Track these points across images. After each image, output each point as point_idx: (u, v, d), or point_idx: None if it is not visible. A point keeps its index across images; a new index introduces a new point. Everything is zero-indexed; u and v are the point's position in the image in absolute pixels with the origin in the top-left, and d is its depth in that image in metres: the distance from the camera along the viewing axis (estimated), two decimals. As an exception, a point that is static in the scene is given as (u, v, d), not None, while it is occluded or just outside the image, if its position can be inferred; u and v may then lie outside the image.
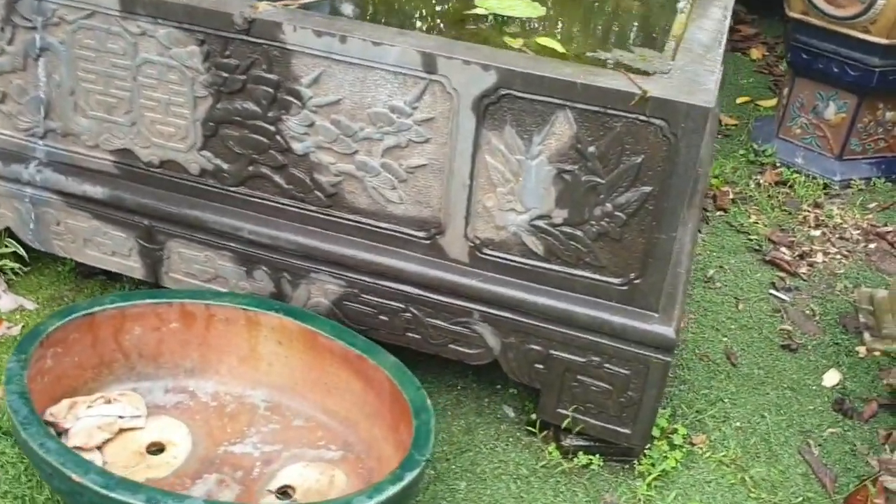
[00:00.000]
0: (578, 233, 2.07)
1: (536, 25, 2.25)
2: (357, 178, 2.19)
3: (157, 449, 2.21)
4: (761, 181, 3.69)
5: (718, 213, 3.48)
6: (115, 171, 2.43)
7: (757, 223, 3.42)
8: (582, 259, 2.11)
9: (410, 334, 2.32)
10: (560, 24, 2.31)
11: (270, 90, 2.14)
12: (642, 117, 1.89)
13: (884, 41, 3.39)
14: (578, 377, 2.21)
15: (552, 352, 2.20)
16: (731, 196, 3.58)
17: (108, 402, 2.24)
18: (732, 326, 2.87)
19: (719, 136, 4.04)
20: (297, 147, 2.19)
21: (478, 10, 2.26)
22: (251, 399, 2.35)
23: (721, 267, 3.16)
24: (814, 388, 2.65)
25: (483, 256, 2.18)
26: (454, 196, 2.12)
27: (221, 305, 2.30)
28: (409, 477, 1.87)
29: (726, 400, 2.56)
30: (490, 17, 2.25)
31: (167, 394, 2.34)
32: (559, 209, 2.05)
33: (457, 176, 2.09)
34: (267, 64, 2.11)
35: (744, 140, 4.02)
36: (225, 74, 2.16)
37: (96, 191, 2.43)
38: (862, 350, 2.79)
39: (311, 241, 2.29)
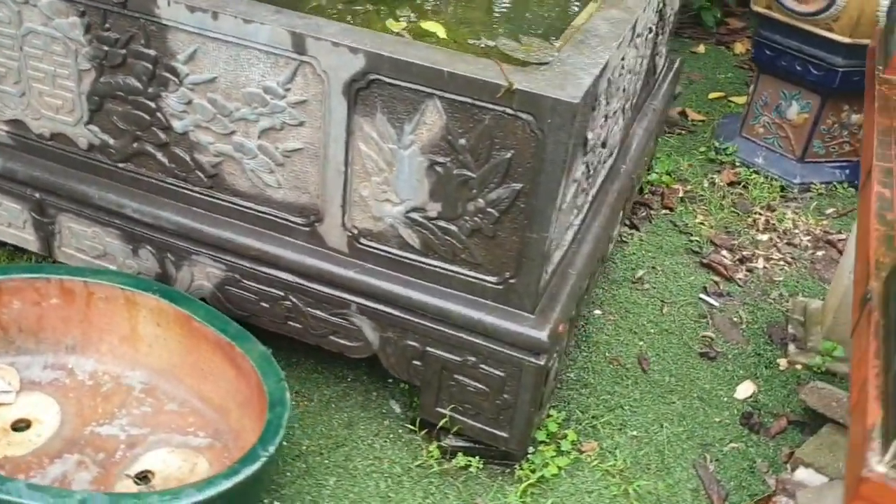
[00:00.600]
0: (453, 228, 1.99)
1: (432, 9, 2.16)
2: (235, 159, 2.12)
3: (23, 426, 2.17)
4: (717, 180, 3.58)
5: (664, 211, 3.37)
6: (10, 142, 2.38)
7: (702, 224, 3.31)
8: (458, 255, 2.03)
9: (291, 323, 2.25)
10: (458, 9, 2.21)
11: (149, 66, 2.07)
12: (509, 111, 1.80)
13: (846, 40, 3.25)
14: (455, 376, 2.14)
15: (429, 349, 2.12)
16: (680, 194, 3.47)
17: (-21, 376, 2.21)
18: (652, 330, 2.77)
19: (682, 132, 3.92)
20: (177, 125, 2.13)
21: (369, -9, 2.17)
22: (128, 380, 2.30)
23: (653, 268, 3.05)
24: (724, 399, 2.55)
25: (361, 247, 2.11)
26: (330, 183, 2.05)
27: (100, 284, 2.25)
28: (246, 472, 1.81)
29: (627, 407, 2.47)
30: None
31: (45, 370, 2.30)
32: (433, 202, 1.97)
33: (332, 162, 2.01)
34: (145, 39, 2.04)
35: (707, 137, 3.89)
36: (106, 48, 2.09)
37: (-13, 161, 2.39)
38: (783, 363, 2.68)
39: (193, 222, 2.23)
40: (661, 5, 2.61)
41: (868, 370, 1.25)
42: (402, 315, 2.10)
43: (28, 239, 2.48)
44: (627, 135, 2.77)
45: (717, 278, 3.04)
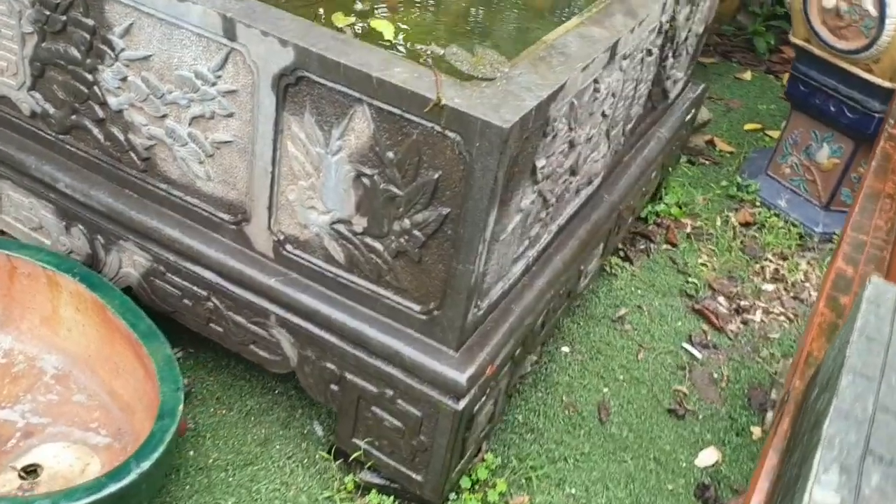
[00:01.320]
0: (379, 246, 1.82)
1: (395, 7, 1.98)
2: (167, 145, 1.98)
3: (-79, 398, 2.07)
4: (731, 219, 3.32)
5: (666, 246, 3.14)
6: (-44, 100, 2.28)
7: (705, 265, 3.07)
8: (382, 276, 1.85)
9: (213, 326, 2.11)
10: (425, 10, 2.03)
11: (87, 36, 1.94)
12: (437, 128, 1.61)
13: (886, 84, 2.97)
14: (372, 408, 1.96)
15: (347, 374, 1.95)
16: (687, 229, 3.23)
17: None
18: (621, 377, 2.56)
19: (706, 163, 3.67)
20: (113, 102, 1.99)
21: (334, -20, 2.00)
22: (42, 363, 2.18)
23: (639, 307, 2.83)
24: (683, 464, 2.33)
25: (286, 254, 1.95)
26: (257, 182, 1.89)
27: (23, 259, 2.14)
28: (112, 488, 1.67)
29: (572, 460, 2.26)
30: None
31: (-39, 342, 2.20)
32: (360, 216, 1.80)
33: (259, 160, 1.86)
34: (83, 7, 1.91)
35: (732, 171, 3.64)
36: (47, 12, 1.97)
37: (-65, 116, 2.29)
38: (757, 431, 2.44)
39: (123, 206, 2.09)
40: (667, 27, 2.39)
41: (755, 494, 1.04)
42: (322, 334, 1.94)
43: (-30, 202, 2.39)
44: (618, 163, 2.55)
45: (706, 327, 2.81)
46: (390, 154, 1.69)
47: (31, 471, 1.97)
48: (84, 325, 2.15)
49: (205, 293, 2.06)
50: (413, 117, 1.63)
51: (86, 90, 2.02)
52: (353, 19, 1.83)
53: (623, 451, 2.32)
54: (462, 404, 1.84)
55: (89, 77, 1.99)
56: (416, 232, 1.74)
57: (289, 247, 1.94)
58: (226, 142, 1.89)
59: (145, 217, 2.07)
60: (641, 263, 3.03)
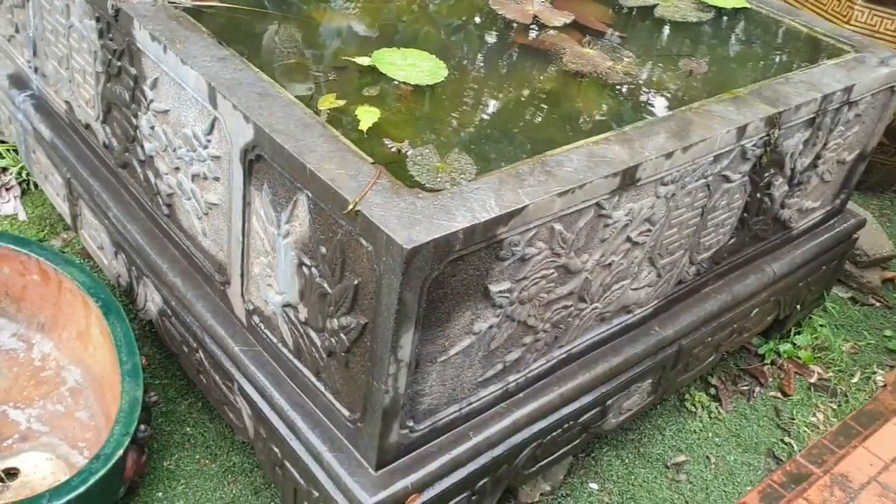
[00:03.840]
0: (318, 340, 1.73)
1: (407, 94, 1.88)
2: (179, 195, 2.03)
3: (-49, 386, 2.28)
4: (876, 379, 2.81)
5: (775, 393, 2.72)
6: (65, 120, 2.52)
7: (815, 427, 2.62)
8: (321, 372, 1.76)
9: (201, 377, 2.13)
10: (434, 101, 1.90)
11: (132, 83, 2.05)
12: (355, 233, 1.50)
13: None
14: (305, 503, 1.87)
15: (286, 462, 1.88)
16: (813, 379, 2.78)
17: (-55, 324, 2.36)
18: (646, 534, 2.24)
19: (875, 304, 3.15)
20: (147, 147, 2.09)
21: (361, 61, 1.94)
22: (67, 374, 2.33)
23: (707, 457, 2.47)
24: None
25: (254, 325, 1.92)
26: (233, 250, 1.88)
27: (66, 276, 2.29)
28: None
29: None
30: (367, 73, 1.92)
31: (12, 338, 2.40)
32: (303, 304, 1.73)
33: (234, 228, 1.85)
34: (129, 57, 2.02)
35: (905, 321, 3.09)
36: (109, 56, 2.11)
37: (46, 132, 2.54)
38: None
39: (147, 244, 2.18)
40: (758, 153, 2.06)
41: None
42: (269, 415, 1.88)
43: (65, 211, 2.62)
44: (686, 295, 2.24)
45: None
46: (323, 249, 1.60)
47: (11, 474, 2.09)
48: (104, 349, 2.26)
49: (194, 345, 2.09)
50: (337, 217, 1.53)
51: (132, 132, 2.13)
52: (341, 103, 1.76)
53: None
54: (369, 533, 1.69)
55: (134, 121, 2.10)
56: (342, 335, 1.64)
57: (256, 318, 1.91)
58: (215, 204, 1.90)
59: (159, 258, 2.14)
60: (735, 407, 2.65)
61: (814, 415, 2.67)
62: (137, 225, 2.22)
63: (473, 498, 1.90)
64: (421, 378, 1.65)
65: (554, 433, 2.01)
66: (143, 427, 1.98)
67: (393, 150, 1.68)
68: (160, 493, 2.13)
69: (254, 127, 1.65)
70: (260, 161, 1.69)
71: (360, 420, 1.69)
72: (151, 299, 2.23)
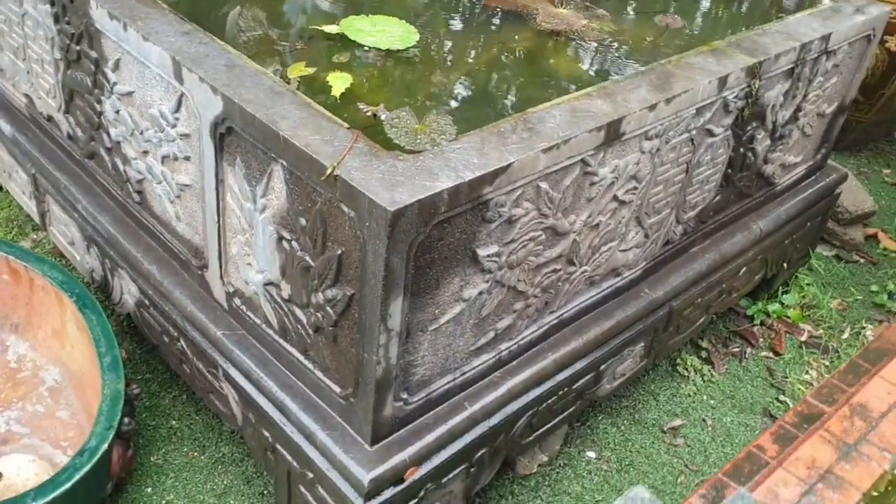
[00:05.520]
0: (303, 317, 1.67)
1: (379, 60, 1.83)
2: (149, 180, 1.97)
3: (-70, 392, 2.20)
4: (866, 334, 2.80)
5: (766, 353, 2.69)
6: (26, 114, 2.44)
7: (810, 384, 2.60)
8: (308, 350, 1.71)
9: (184, 366, 2.07)
10: (406, 65, 1.85)
11: (93, 67, 1.98)
12: (335, 200, 1.45)
13: None
14: (300, 486, 1.82)
15: (278, 445, 1.82)
16: (803, 337, 2.76)
17: (-84, 330, 2.27)
18: None
19: (860, 261, 3.13)
20: (113, 133, 2.02)
21: (330, 29, 1.88)
22: (44, 374, 2.25)
23: (703, 420, 2.44)
24: None
25: (235, 308, 1.86)
26: (209, 230, 1.82)
27: (37, 273, 2.22)
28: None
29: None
30: (336, 41, 1.87)
31: (-15, 342, 2.33)
32: (285, 281, 1.67)
33: (209, 207, 1.79)
34: (88, 39, 1.95)
35: (892, 274, 3.08)
36: (67, 41, 2.04)
37: (6, 128, 2.46)
38: None
39: (119, 234, 2.12)
40: (740, 106, 2.03)
41: None
42: (257, 398, 1.82)
43: (32, 210, 2.54)
44: (674, 255, 2.21)
45: (780, 459, 2.36)
46: (302, 220, 1.55)
47: (-10, 476, 2.02)
48: (81, 345, 2.19)
49: (175, 333, 2.03)
50: (315, 185, 1.47)
51: (97, 119, 2.06)
52: (310, 71, 1.70)
53: (611, 590, 1.99)
54: (367, 507, 1.64)
55: (98, 107, 2.03)
56: (328, 308, 1.59)
57: (237, 300, 1.85)
58: (187, 185, 1.84)
59: (133, 248, 2.07)
60: (727, 369, 2.62)
61: (807, 372, 2.65)
62: (108, 215, 2.15)
63: (472, 470, 1.85)
64: (412, 348, 1.60)
65: (549, 401, 1.97)
66: (126, 421, 1.92)
67: (368, 114, 1.62)
68: (149, 489, 2.07)
69: (222, 98, 1.59)
70: (231, 134, 1.63)
71: (352, 395, 1.64)
72: (128, 291, 2.16)
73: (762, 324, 2.79)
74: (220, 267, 1.83)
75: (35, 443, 2.11)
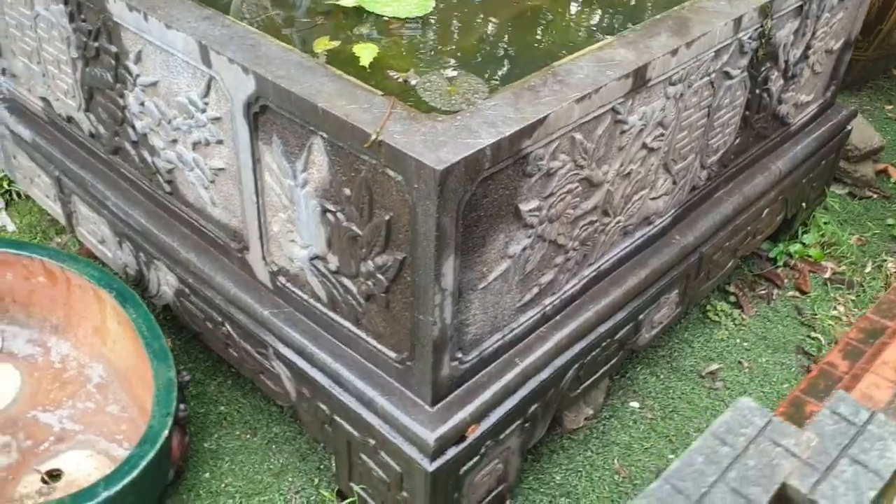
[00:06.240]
0: (353, 287, 1.70)
1: (398, 28, 1.84)
2: (180, 168, 1.98)
3: (-18, 396, 2.22)
4: (888, 266, 2.83)
5: (793, 293, 2.73)
6: (43, 118, 2.45)
7: (838, 319, 2.63)
8: (360, 319, 1.73)
9: (230, 351, 2.09)
10: (427, 31, 1.87)
11: (113, 62, 1.99)
12: (380, 165, 1.47)
13: None
14: (361, 454, 1.85)
15: (336, 417, 1.85)
16: (827, 274, 2.79)
17: (-42, 339, 2.30)
18: (680, 447, 2.24)
19: (873, 196, 3.17)
20: (138, 125, 2.03)
21: (346, 2, 1.90)
22: (90, 371, 2.28)
23: (739, 363, 2.47)
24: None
25: (281, 286, 1.88)
26: (248, 211, 1.84)
27: (74, 272, 2.24)
28: (64, 510, 1.69)
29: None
30: (356, 12, 1.88)
31: (27, 344, 2.35)
32: (332, 254, 1.70)
33: (246, 189, 1.81)
34: (107, 34, 1.96)
35: (907, 208, 3.11)
36: (84, 39, 2.05)
37: (26, 133, 2.47)
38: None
39: (153, 226, 2.13)
40: (754, 46, 2.05)
41: None
42: (312, 372, 1.85)
43: (57, 212, 2.55)
44: (703, 199, 2.24)
45: (818, 393, 2.40)
46: (346, 191, 1.57)
47: (54, 475, 2.05)
48: (124, 339, 2.21)
49: (219, 318, 2.05)
50: (358, 153, 1.49)
51: (120, 113, 2.07)
52: (335, 44, 1.72)
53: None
54: (436, 465, 1.68)
55: (121, 101, 2.04)
56: (379, 275, 1.61)
57: (282, 279, 1.87)
58: (221, 168, 1.86)
59: (169, 238, 2.09)
60: (757, 311, 2.65)
61: (834, 308, 2.68)
62: (139, 209, 2.17)
63: (526, 425, 1.88)
64: (464, 307, 1.62)
65: (594, 352, 2.00)
66: (182, 407, 1.95)
67: (399, 80, 1.64)
68: (207, 474, 2.10)
69: (255, 77, 1.61)
70: (266, 112, 1.64)
71: (408, 359, 1.66)
72: (165, 282, 2.18)
73: (785, 265, 2.82)
74: (262, 247, 1.86)
75: (90, 438, 2.13)
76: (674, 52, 1.78)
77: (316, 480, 2.10)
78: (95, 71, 2.07)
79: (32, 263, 2.29)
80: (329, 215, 1.64)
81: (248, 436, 2.20)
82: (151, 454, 1.82)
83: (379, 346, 1.72)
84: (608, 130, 1.72)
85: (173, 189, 2.06)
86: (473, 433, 1.72)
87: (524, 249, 1.68)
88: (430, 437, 1.65)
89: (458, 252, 1.51)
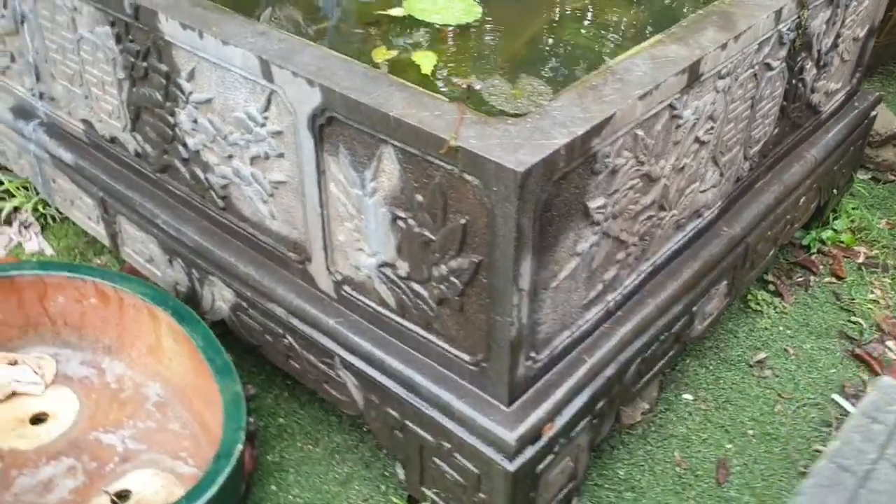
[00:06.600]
0: (424, 292, 1.72)
1: (449, 35, 1.87)
2: (236, 184, 2.00)
3: (42, 419, 2.23)
4: (920, 247, 2.87)
5: (829, 279, 2.76)
6: (85, 140, 2.46)
7: (876, 302, 2.67)
8: (431, 323, 1.75)
9: (292, 362, 2.10)
10: (479, 37, 1.90)
11: (163, 81, 2.01)
12: (456, 171, 1.49)
13: None
14: (434, 459, 1.86)
15: (407, 422, 1.87)
16: (860, 259, 2.82)
17: (14, 363, 2.30)
18: (750, 431, 2.26)
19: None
20: (190, 143, 2.05)
21: (395, 12, 1.92)
22: (147, 390, 2.29)
23: (785, 350, 2.50)
24: (809, 539, 2.01)
25: (346, 295, 1.90)
26: (311, 222, 1.86)
27: (127, 292, 2.25)
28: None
29: (673, 526, 2.03)
30: (405, 22, 1.91)
31: (81, 366, 2.36)
32: (402, 260, 1.72)
33: (310, 200, 1.83)
34: (157, 53, 1.98)
35: (932, 190, 3.15)
36: (132, 59, 2.06)
37: (67, 156, 2.48)
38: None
39: (207, 242, 2.15)
40: (792, 37, 2.08)
41: None
42: (381, 379, 1.87)
43: (101, 234, 2.56)
44: (745, 190, 2.27)
45: (865, 376, 2.43)
46: (419, 197, 1.59)
47: (122, 496, 2.06)
48: (181, 356, 2.23)
49: (280, 330, 2.06)
50: (433, 159, 1.52)
51: (170, 132, 2.09)
52: (394, 53, 1.74)
53: (737, 520, 2.05)
54: (516, 465, 1.70)
55: (171, 119, 2.06)
56: (453, 279, 1.63)
57: (347, 288, 1.89)
58: (281, 182, 1.87)
59: (225, 253, 2.11)
60: (796, 298, 2.68)
61: (871, 292, 2.72)
62: (191, 226, 2.18)
63: (594, 422, 1.91)
64: (537, 307, 1.65)
65: (653, 346, 2.02)
66: (251, 420, 1.96)
67: (463, 86, 1.67)
68: (273, 487, 2.11)
69: (321, 89, 1.63)
70: (332, 124, 1.66)
71: (483, 360, 1.68)
72: (221, 297, 2.20)
73: (819, 251, 2.86)
74: (326, 257, 1.87)
75: (154, 457, 2.14)
76: (723, 47, 1.81)
77: (383, 487, 2.11)
78: (144, 90, 2.09)
79: (85, 285, 2.30)
80: (399, 222, 1.66)
81: (310, 446, 2.21)
82: (228, 469, 1.83)
83: (451, 350, 1.74)
84: (665, 126, 1.75)
85: (227, 205, 2.07)
86: (549, 431, 1.74)
87: (591, 247, 1.70)
88: (510, 437, 1.67)
89: (535, 252, 1.54)
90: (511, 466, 1.69)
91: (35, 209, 2.94)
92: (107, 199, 2.41)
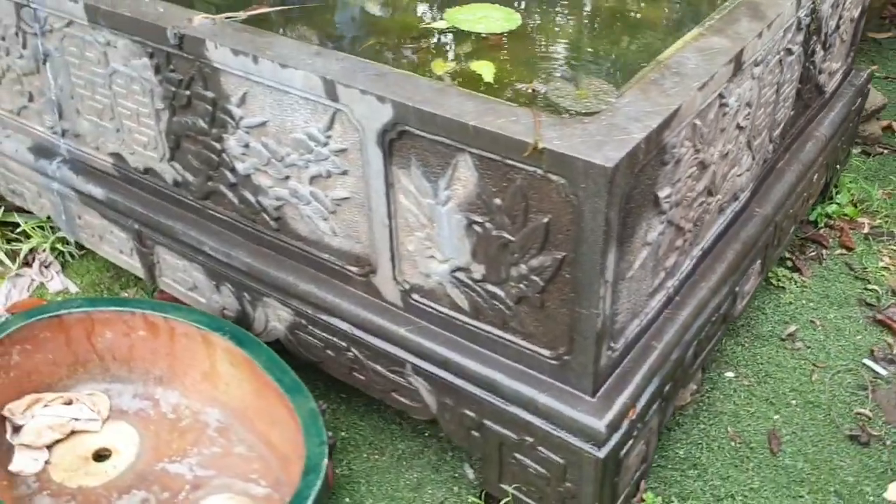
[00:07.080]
0: (500, 293, 1.77)
1: (496, 43, 1.93)
2: (293, 204, 2.03)
3: (104, 455, 2.23)
4: (919, 214, 3.00)
5: (840, 251, 2.88)
6: (114, 173, 2.46)
7: (887, 269, 2.79)
8: (508, 322, 1.80)
9: (356, 375, 2.13)
10: (526, 43, 1.96)
11: (209, 108, 2.03)
12: (540, 171, 1.55)
13: None
14: (515, 454, 1.91)
15: (486, 421, 1.92)
16: (865, 230, 2.95)
17: (69, 402, 2.30)
18: (793, 402, 2.36)
19: (884, 152, 3.35)
20: (240, 167, 2.07)
21: (439, 25, 1.97)
22: (206, 417, 2.30)
23: (811, 322, 2.61)
24: (871, 498, 2.11)
25: (414, 303, 1.94)
26: (377, 235, 1.90)
27: (179, 321, 2.26)
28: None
29: (740, 497, 2.11)
30: (451, 34, 1.96)
31: (134, 399, 2.36)
32: (477, 263, 1.76)
33: (376, 214, 1.86)
34: (202, 81, 2.00)
35: (923, 159, 3.30)
36: (173, 89, 2.08)
37: (97, 191, 2.48)
38: (955, 457, 2.18)
39: (261, 264, 2.17)
40: (808, 22, 2.18)
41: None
42: (457, 381, 1.91)
43: (135, 266, 2.56)
44: (770, 172, 2.36)
45: (891, 339, 2.54)
46: (497, 201, 1.64)
47: (199, 523, 2.07)
48: (239, 380, 2.24)
49: (344, 344, 2.10)
50: (514, 163, 1.57)
51: (216, 158, 2.11)
52: (452, 64, 1.79)
53: (798, 485, 2.14)
54: (604, 451, 1.76)
55: (217, 145, 2.08)
56: (533, 277, 1.68)
57: (415, 296, 1.93)
58: (344, 198, 1.91)
59: (282, 273, 2.13)
60: (813, 272, 2.79)
61: (881, 260, 2.84)
62: (242, 249, 2.20)
63: (663, 405, 1.98)
64: (616, 297, 1.71)
65: (706, 328, 2.10)
66: (329, 434, 1.99)
67: (528, 91, 1.72)
68: (347, 499, 2.14)
69: (392, 105, 1.67)
70: (403, 137, 1.71)
71: (565, 353, 1.74)
72: (276, 318, 2.22)
73: (826, 225, 2.97)
74: (393, 268, 1.91)
75: (225, 482, 2.15)
76: (759, 35, 1.90)
77: (456, 489, 2.15)
78: (186, 119, 2.10)
79: (133, 318, 2.31)
80: (476, 227, 1.71)
81: (377, 456, 2.25)
82: (318, 483, 1.86)
83: (530, 346, 1.80)
84: (716, 115, 1.83)
85: (281, 225, 2.10)
86: (631, 417, 1.81)
87: (658, 235, 1.77)
88: (599, 425, 1.73)
89: (618, 244, 1.60)
90: (601, 454, 1.75)
91: (53, 248, 2.92)
92: (143, 230, 2.41)
